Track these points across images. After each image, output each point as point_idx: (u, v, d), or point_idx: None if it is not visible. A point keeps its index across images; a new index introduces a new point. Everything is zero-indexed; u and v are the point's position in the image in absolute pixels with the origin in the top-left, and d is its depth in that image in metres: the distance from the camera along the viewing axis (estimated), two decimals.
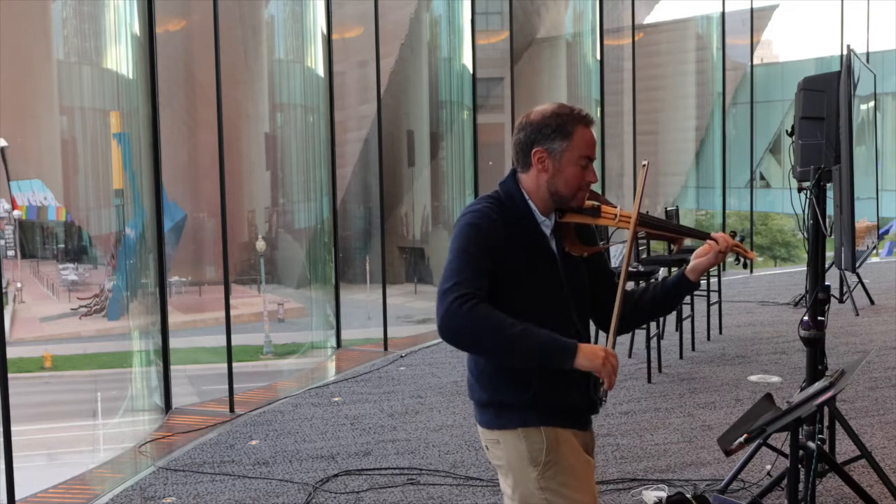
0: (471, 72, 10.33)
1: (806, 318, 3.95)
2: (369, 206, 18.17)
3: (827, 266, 4.91)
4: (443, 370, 6.88)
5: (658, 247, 7.87)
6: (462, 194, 16.33)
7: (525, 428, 2.34)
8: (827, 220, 3.99)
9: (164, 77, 6.28)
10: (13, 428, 4.39)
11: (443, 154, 19.38)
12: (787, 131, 4.19)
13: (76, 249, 17.23)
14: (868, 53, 14.87)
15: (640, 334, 6.93)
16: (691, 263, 2.46)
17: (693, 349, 7.23)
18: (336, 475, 4.62)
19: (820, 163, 3.96)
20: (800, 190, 4.01)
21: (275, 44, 15.91)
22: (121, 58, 6.99)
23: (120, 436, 8.79)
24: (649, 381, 6.31)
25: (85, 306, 15.99)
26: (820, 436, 3.83)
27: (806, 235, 4.06)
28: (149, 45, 6.03)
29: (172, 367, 6.13)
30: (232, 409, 5.96)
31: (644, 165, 2.44)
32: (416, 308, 19.67)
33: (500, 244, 2.28)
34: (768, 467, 4.17)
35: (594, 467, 2.47)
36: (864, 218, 6.97)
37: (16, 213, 16.11)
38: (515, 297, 2.29)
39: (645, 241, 6.86)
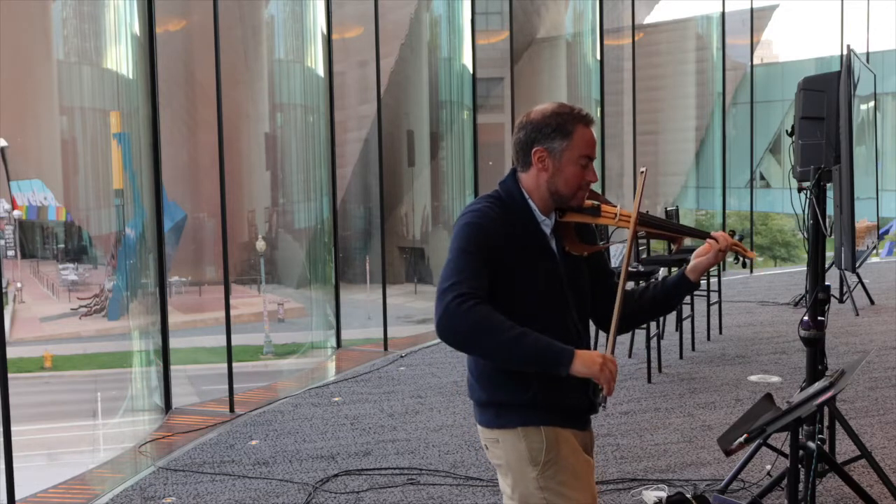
0: (471, 72, 10.33)
1: (806, 318, 3.95)
2: (369, 206, 18.16)
3: (827, 266, 4.91)
4: (443, 370, 6.88)
5: (658, 246, 7.87)
6: (462, 194, 16.33)
7: (525, 427, 2.34)
8: (827, 220, 3.99)
9: (164, 77, 6.28)
10: (13, 428, 4.39)
11: (443, 154, 19.38)
12: (787, 131, 4.19)
13: (76, 249, 17.23)
14: (868, 53, 14.87)
15: (640, 334, 6.93)
16: (691, 263, 2.46)
17: (693, 349, 7.23)
18: (336, 475, 4.62)
19: (820, 163, 3.96)
20: (800, 190, 4.00)
21: (275, 44, 15.91)
22: (121, 58, 6.99)
23: (120, 436, 8.79)
24: (649, 381, 6.31)
25: (85, 306, 15.99)
26: (820, 436, 3.83)
27: (806, 235, 4.06)
28: (149, 45, 6.03)
29: (172, 367, 6.13)
30: (232, 409, 5.96)
31: (642, 172, 2.44)
32: (416, 308, 19.66)
33: (500, 243, 2.28)
34: (768, 467, 4.17)
35: (594, 467, 2.48)
36: (864, 218, 6.96)
37: (16, 213, 16.11)
38: (515, 297, 2.29)
39: (645, 241, 6.86)
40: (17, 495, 4.40)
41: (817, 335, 3.95)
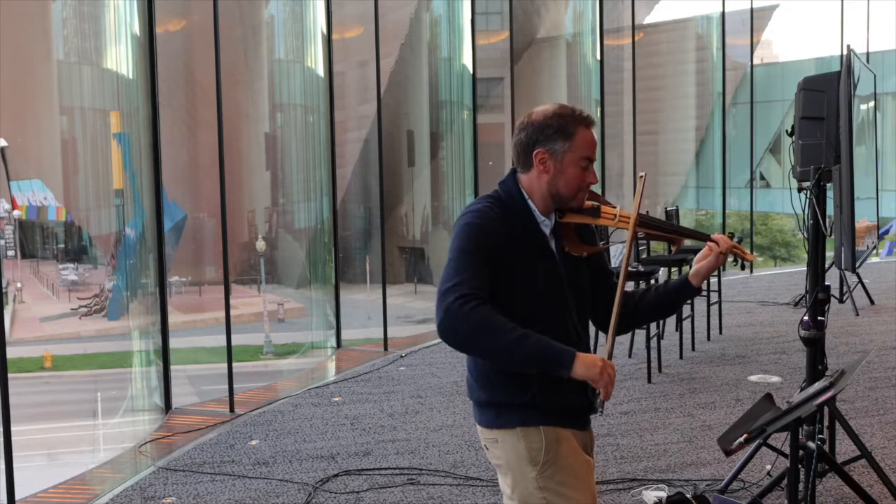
0: (471, 72, 10.33)
1: (806, 318, 3.95)
2: (369, 206, 18.16)
3: (827, 266, 4.91)
4: (443, 370, 6.88)
5: (658, 247, 7.87)
6: (462, 194, 16.33)
7: (524, 428, 2.35)
8: (827, 220, 3.99)
9: (164, 77, 6.28)
10: (13, 428, 4.39)
11: (443, 154, 19.38)
12: (787, 131, 4.19)
13: (76, 249, 17.24)
14: (868, 53, 14.87)
15: (640, 334, 6.93)
16: (693, 268, 2.46)
17: (693, 349, 7.23)
18: (336, 475, 4.62)
19: (820, 163, 3.96)
20: (800, 190, 4.00)
21: (275, 44, 15.91)
22: (121, 58, 6.99)
23: (120, 436, 8.79)
24: (649, 381, 6.31)
25: (85, 306, 15.99)
26: (820, 436, 3.83)
27: (806, 235, 4.06)
28: (149, 45, 6.03)
29: (172, 367, 6.13)
30: (232, 409, 5.96)
31: (641, 177, 2.44)
32: (416, 308, 19.67)
33: (500, 243, 2.28)
34: (768, 467, 4.17)
35: (594, 467, 2.48)
36: (864, 218, 6.97)
37: (16, 213, 16.12)
38: (515, 297, 2.29)
39: (645, 241, 6.86)
40: (17, 495, 4.40)
41: (817, 335, 3.95)
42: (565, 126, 2.33)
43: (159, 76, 6.03)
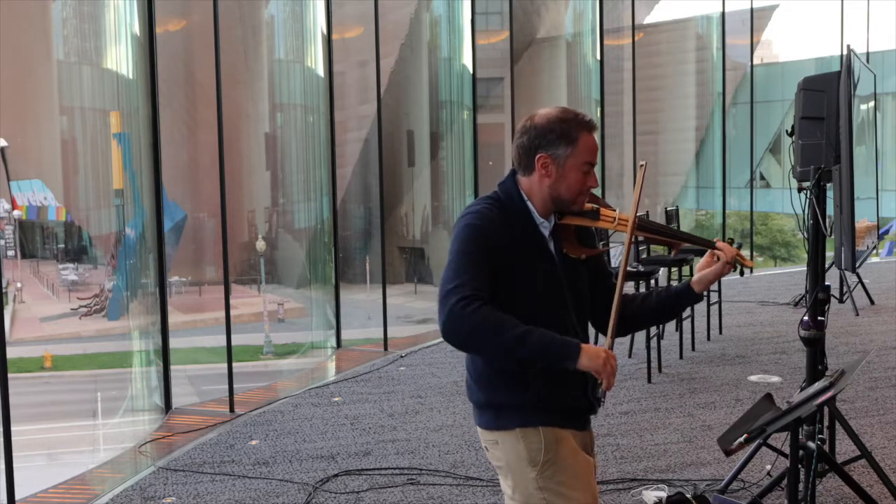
0: (471, 72, 10.33)
1: (806, 318, 3.95)
2: (369, 206, 18.16)
3: (827, 266, 4.91)
4: (443, 370, 6.88)
5: (658, 247, 7.87)
6: (462, 194, 16.33)
7: (523, 428, 2.35)
8: (827, 220, 3.99)
9: (164, 77, 6.28)
10: (13, 428, 4.39)
11: (443, 154, 19.38)
12: (787, 131, 4.19)
13: (76, 249, 17.23)
14: (868, 53, 14.87)
15: (640, 334, 6.93)
16: (697, 275, 2.46)
17: (693, 349, 7.23)
18: (336, 475, 4.62)
19: (820, 163, 3.96)
20: (800, 190, 4.01)
21: (275, 44, 15.91)
22: (121, 58, 6.99)
23: (120, 436, 8.79)
24: (649, 381, 6.31)
25: (85, 306, 15.99)
26: (820, 436, 3.83)
27: (806, 235, 4.06)
28: (149, 45, 6.03)
29: (172, 367, 6.13)
30: (232, 409, 5.96)
31: (641, 166, 2.44)
32: (416, 308, 19.66)
33: (500, 244, 2.28)
34: (768, 467, 4.17)
35: (594, 466, 2.48)
36: (864, 218, 6.96)
37: (16, 213, 16.11)
38: (515, 298, 2.30)
39: (645, 242, 6.86)
40: (17, 495, 4.40)
41: (817, 335, 3.95)
42: (568, 131, 2.33)
43: (159, 76, 6.03)
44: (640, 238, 2.54)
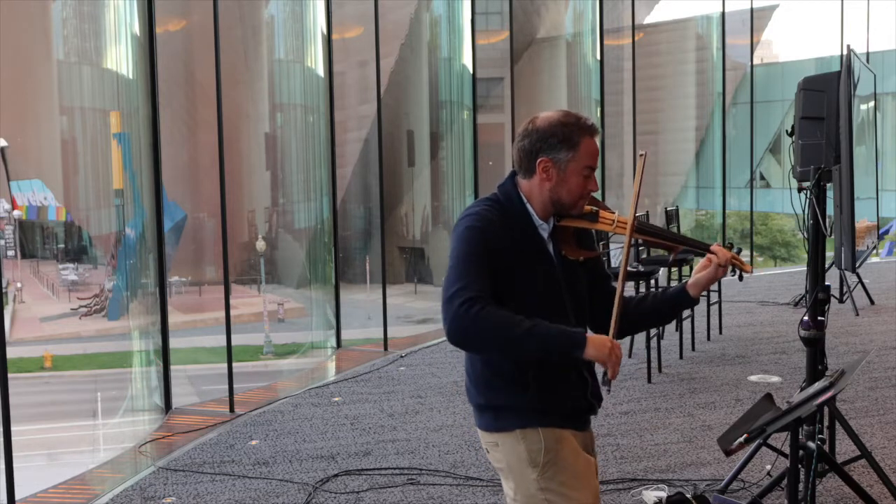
0: (471, 72, 10.33)
1: (806, 318, 3.95)
2: (369, 206, 18.17)
3: (827, 266, 4.91)
4: (443, 370, 6.88)
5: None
6: (462, 194, 16.35)
7: (523, 430, 2.35)
8: (827, 220, 3.99)
9: (164, 77, 6.28)
10: (13, 428, 4.39)
11: (443, 154, 19.39)
12: (787, 131, 4.19)
13: (76, 249, 17.24)
14: (868, 53, 14.87)
15: (640, 334, 6.93)
16: (692, 278, 2.46)
17: (693, 349, 7.23)
18: (336, 475, 4.62)
19: (820, 163, 3.96)
20: (800, 190, 4.01)
21: (275, 44, 15.92)
22: (121, 58, 7.00)
23: (120, 436, 8.79)
24: (649, 381, 6.31)
25: (85, 306, 15.99)
26: (820, 436, 3.83)
27: (806, 235, 4.06)
28: (149, 45, 6.03)
29: (172, 367, 6.13)
30: (232, 409, 5.96)
31: (641, 155, 2.44)
32: (416, 308, 19.68)
33: (499, 246, 2.28)
34: (768, 467, 4.17)
35: (595, 466, 2.48)
36: (864, 218, 6.96)
37: (16, 213, 16.12)
38: (514, 300, 2.29)
39: (644, 244, 6.85)
40: (17, 495, 4.40)
41: (817, 335, 3.95)
42: (570, 135, 2.33)
43: (159, 76, 6.03)
44: (639, 241, 2.54)
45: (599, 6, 12.26)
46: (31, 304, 16.91)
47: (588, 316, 2.50)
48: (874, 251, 11.12)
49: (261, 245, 17.54)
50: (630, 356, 7.00)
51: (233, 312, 6.46)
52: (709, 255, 2.44)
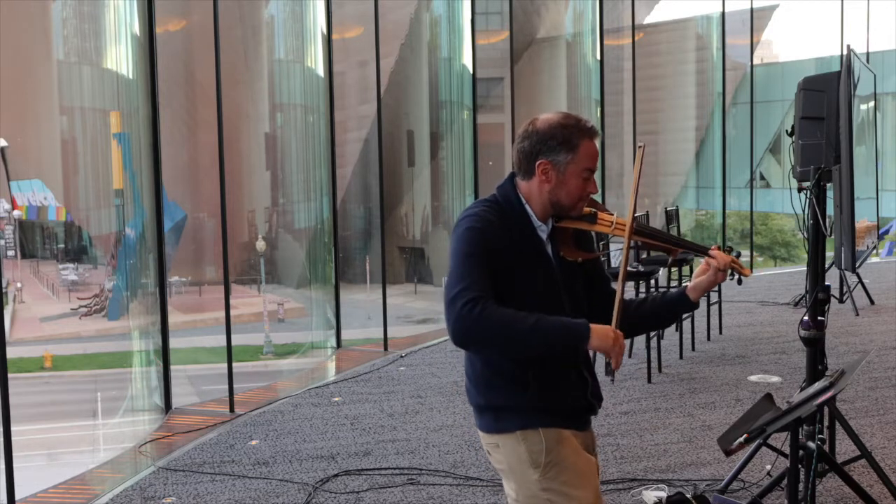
0: (471, 72, 10.33)
1: (806, 318, 3.95)
2: (369, 206, 18.18)
3: (827, 266, 4.91)
4: (443, 370, 6.88)
5: None
6: (462, 194, 16.35)
7: (524, 430, 2.35)
8: (827, 220, 3.99)
9: (164, 77, 6.28)
10: (13, 428, 4.39)
11: (443, 154, 19.39)
12: (787, 131, 4.19)
13: (76, 249, 17.24)
14: (868, 53, 14.87)
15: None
16: (692, 282, 2.45)
17: (693, 349, 7.23)
18: (336, 475, 4.62)
19: (820, 163, 3.96)
20: (800, 190, 4.01)
21: (275, 44, 15.92)
22: (121, 58, 7.00)
23: (120, 436, 8.79)
24: (649, 381, 6.31)
25: (85, 306, 15.99)
26: (820, 436, 3.83)
27: (806, 235, 4.06)
28: (149, 45, 6.03)
29: (172, 367, 6.13)
30: (232, 409, 5.96)
31: (640, 147, 2.44)
32: (416, 308, 19.69)
33: (499, 246, 2.29)
34: (768, 467, 4.17)
35: (597, 466, 2.48)
36: (864, 218, 6.96)
37: (16, 213, 16.12)
38: (513, 300, 2.29)
39: (643, 247, 6.84)
40: (17, 495, 4.40)
41: (817, 335, 3.95)
42: (569, 138, 2.33)
43: (159, 76, 6.03)
44: (639, 243, 2.53)
45: (599, 6, 12.25)
46: (31, 304, 16.91)
47: (586, 317, 2.50)
48: (874, 251, 11.12)
49: (261, 245, 17.54)
50: (630, 356, 7.00)
51: (233, 312, 6.46)
52: (707, 259, 2.44)
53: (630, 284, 6.43)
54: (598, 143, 2.40)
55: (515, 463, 2.37)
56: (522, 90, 16.53)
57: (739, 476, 4.23)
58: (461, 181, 16.34)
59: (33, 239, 17.91)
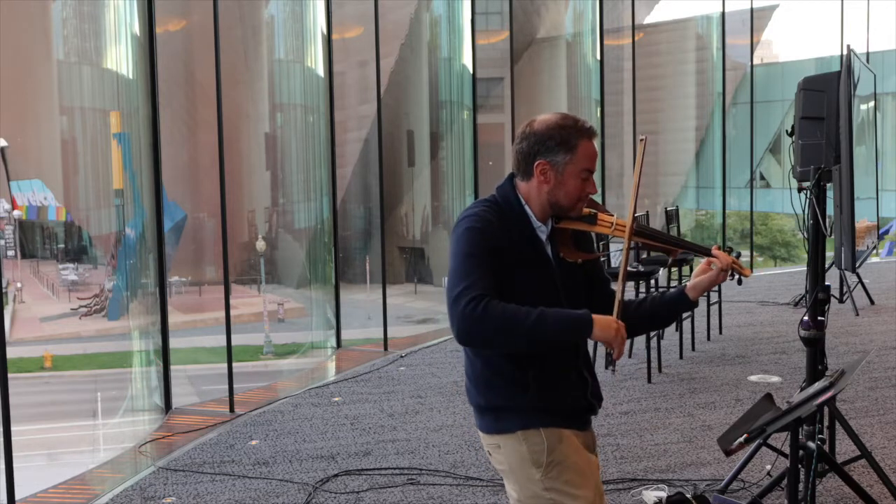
0: (471, 72, 10.33)
1: (806, 318, 3.95)
2: (369, 206, 18.17)
3: (827, 266, 4.91)
4: (443, 370, 6.88)
5: None
6: (462, 194, 16.34)
7: (525, 431, 2.35)
8: (827, 220, 3.99)
9: (164, 77, 6.28)
10: (13, 428, 4.39)
11: (443, 154, 19.38)
12: (787, 131, 4.19)
13: (76, 249, 17.23)
14: (868, 53, 14.87)
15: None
16: (692, 282, 2.45)
17: (693, 349, 7.23)
18: (336, 475, 4.62)
19: (820, 163, 3.96)
20: (800, 190, 4.01)
21: (275, 44, 15.91)
22: (121, 58, 7.00)
23: (120, 436, 8.79)
24: (649, 381, 6.31)
25: (85, 306, 15.99)
26: (820, 436, 3.83)
27: (806, 235, 4.06)
28: (149, 45, 6.03)
29: (172, 367, 6.13)
30: (232, 409, 5.96)
31: (641, 140, 2.44)
32: (416, 308, 19.69)
33: (498, 246, 2.29)
34: (768, 467, 4.17)
35: (598, 465, 2.48)
36: (864, 218, 6.96)
37: (16, 213, 16.11)
38: (512, 301, 2.29)
39: (643, 247, 6.83)
40: (17, 495, 4.40)
41: (817, 335, 3.95)
42: (567, 138, 2.33)
43: (159, 76, 6.03)
44: (639, 244, 2.53)
45: (599, 6, 12.25)
46: (31, 304, 16.91)
47: None
48: (874, 251, 11.12)
49: (261, 245, 17.54)
50: (630, 356, 7.00)
51: (233, 312, 6.46)
52: (709, 259, 2.44)
53: (630, 285, 6.42)
54: (597, 143, 2.40)
55: (517, 463, 2.37)
56: (522, 90, 16.53)
57: (739, 476, 4.23)
58: (461, 181, 16.32)
59: (33, 239, 17.91)
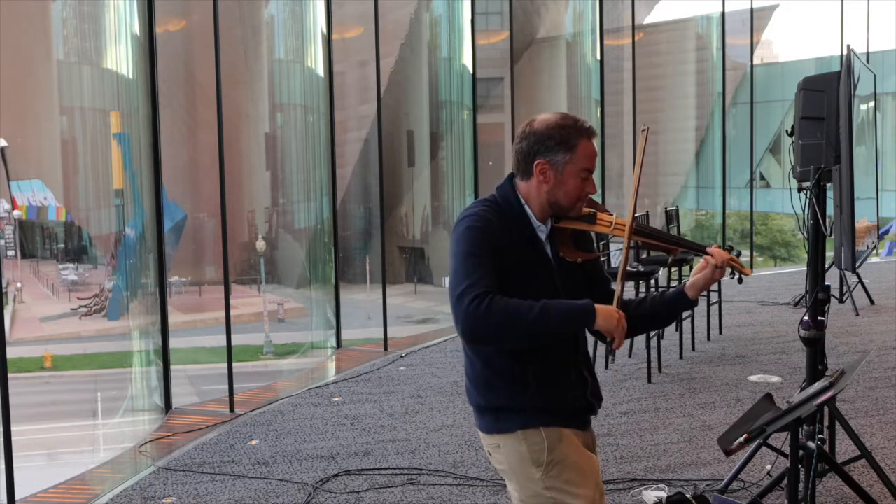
0: (471, 72, 10.33)
1: (806, 318, 3.95)
2: (369, 206, 18.18)
3: (827, 266, 4.91)
4: (443, 370, 6.88)
5: None
6: (462, 194, 16.35)
7: (525, 430, 2.35)
8: (827, 220, 3.99)
9: (164, 77, 6.28)
10: (13, 428, 4.39)
11: (443, 154, 19.39)
12: (787, 131, 4.19)
13: (76, 249, 17.24)
14: (868, 53, 14.87)
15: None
16: (690, 280, 2.46)
17: (693, 349, 7.23)
18: (336, 475, 4.62)
19: (820, 163, 3.96)
20: (800, 190, 4.01)
21: (275, 44, 15.92)
22: (121, 58, 7.00)
23: (120, 436, 8.80)
24: (649, 381, 6.31)
25: (85, 306, 15.99)
26: (820, 436, 3.83)
27: (806, 235, 4.06)
28: (149, 45, 6.03)
29: (172, 367, 6.13)
30: (232, 409, 5.96)
31: (644, 130, 2.44)
32: (416, 308, 19.69)
33: (498, 246, 2.29)
34: (768, 467, 4.17)
35: (598, 464, 2.48)
36: (864, 218, 6.97)
37: (16, 213, 16.12)
38: (514, 298, 2.30)
39: (643, 247, 6.83)
40: (17, 495, 4.40)
41: (817, 335, 3.95)
42: (567, 138, 2.33)
43: (159, 76, 6.03)
44: (639, 243, 2.54)
45: (599, 6, 12.26)
46: (31, 304, 16.91)
47: None
48: (874, 251, 11.12)
49: (261, 245, 17.54)
50: (630, 356, 7.00)
51: (233, 312, 6.46)
52: (706, 257, 2.44)
53: (630, 284, 6.43)
54: (596, 143, 2.40)
55: (517, 463, 2.37)
56: (522, 90, 16.53)
57: (739, 476, 4.23)
58: (461, 181, 16.34)
59: (33, 239, 17.91)
